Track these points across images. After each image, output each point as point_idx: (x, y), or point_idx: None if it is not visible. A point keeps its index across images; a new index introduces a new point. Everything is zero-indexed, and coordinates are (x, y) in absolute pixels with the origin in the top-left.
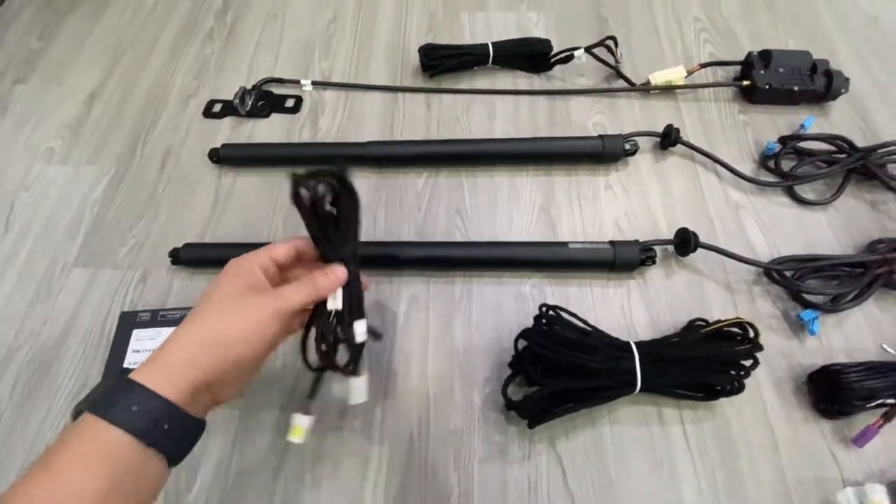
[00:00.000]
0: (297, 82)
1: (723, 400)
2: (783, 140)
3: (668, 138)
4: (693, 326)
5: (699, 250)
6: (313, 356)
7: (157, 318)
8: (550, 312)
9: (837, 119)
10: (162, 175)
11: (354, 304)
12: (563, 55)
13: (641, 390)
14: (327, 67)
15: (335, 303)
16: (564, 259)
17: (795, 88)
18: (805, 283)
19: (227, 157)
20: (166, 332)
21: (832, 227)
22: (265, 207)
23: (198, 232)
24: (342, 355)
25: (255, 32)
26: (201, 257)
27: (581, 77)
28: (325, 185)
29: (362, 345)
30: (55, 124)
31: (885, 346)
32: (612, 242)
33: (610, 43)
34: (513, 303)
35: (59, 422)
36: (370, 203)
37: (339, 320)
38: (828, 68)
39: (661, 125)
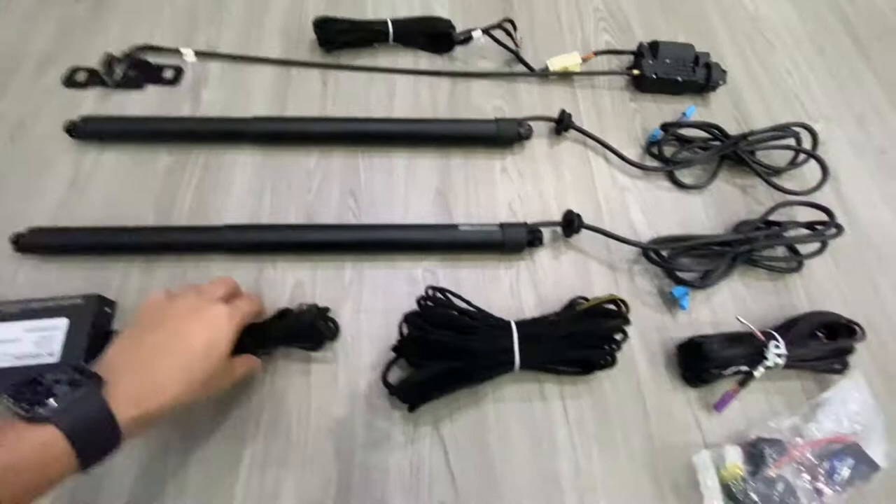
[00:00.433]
0: (178, 51)
1: (601, 374)
2: (665, 127)
3: (562, 123)
4: (572, 304)
5: (585, 231)
6: None
7: None
8: (437, 295)
9: (716, 108)
10: (9, 151)
11: None
12: (462, 35)
13: (521, 368)
14: (213, 37)
15: None
16: (455, 241)
17: (679, 79)
18: (678, 261)
19: (89, 131)
20: (3, 328)
21: (706, 209)
22: (134, 189)
23: (49, 215)
24: None
25: None
26: (53, 243)
27: (483, 60)
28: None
29: None
30: None
31: (739, 317)
32: (501, 225)
33: (508, 26)
34: (404, 287)
35: None
36: (254, 185)
37: None
38: (708, 61)
39: (558, 110)
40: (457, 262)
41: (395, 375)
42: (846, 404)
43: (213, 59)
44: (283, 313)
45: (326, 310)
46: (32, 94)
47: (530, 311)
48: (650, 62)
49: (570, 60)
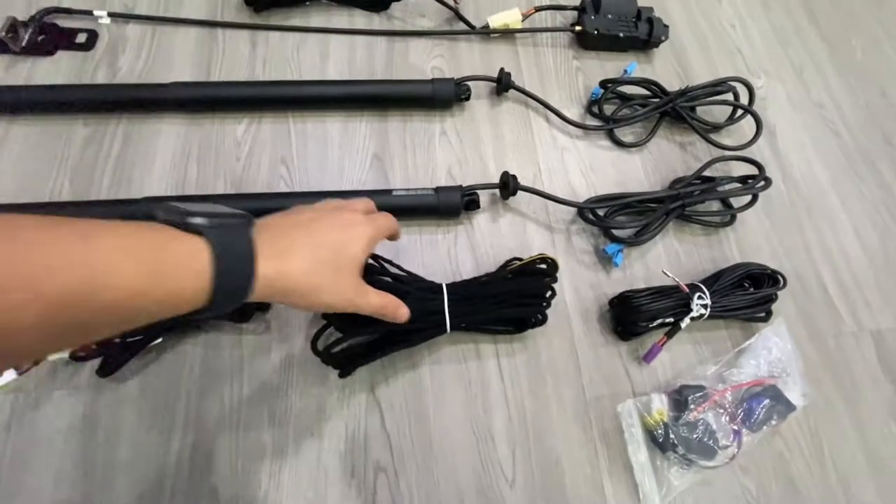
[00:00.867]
0: (91, 13)
1: (536, 332)
2: (604, 84)
3: (502, 83)
4: (506, 265)
5: (524, 193)
6: None
7: None
8: (368, 262)
9: (659, 65)
10: None
11: None
12: None
13: (452, 329)
14: None
15: None
16: (389, 206)
17: (621, 35)
18: (615, 219)
19: None
20: None
21: (645, 167)
22: (47, 162)
23: None
24: None
25: None
26: None
27: (422, 18)
28: None
29: None
30: None
31: (665, 271)
32: (436, 189)
33: None
34: None
35: None
36: (178, 154)
37: None
38: (650, 16)
39: (499, 70)
40: None
41: (327, 343)
42: (768, 350)
43: (131, 22)
44: None
45: None
46: None
47: (468, 274)
48: (592, 17)
49: (510, 17)
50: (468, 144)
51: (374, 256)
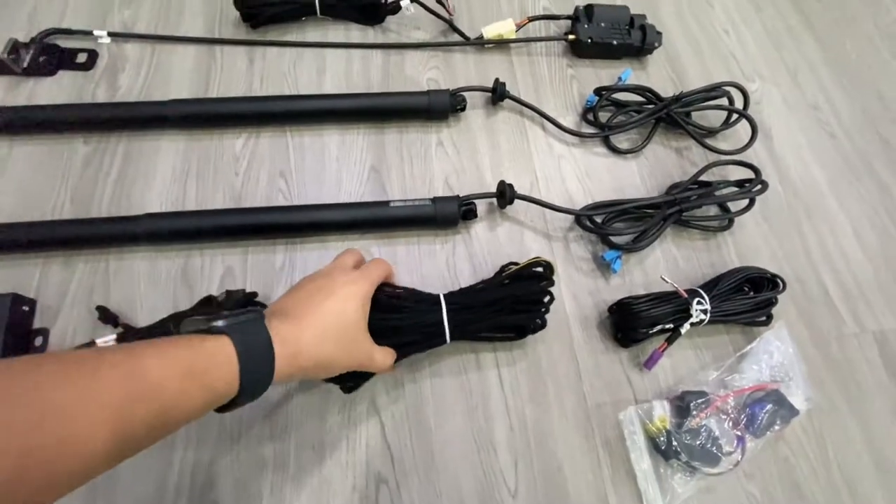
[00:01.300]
0: (90, 33)
1: (536, 339)
2: (599, 92)
3: (497, 93)
4: (502, 270)
5: (520, 202)
6: None
7: None
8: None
9: (654, 71)
10: None
11: None
12: (391, 5)
13: (452, 339)
14: (129, 17)
15: None
16: (387, 218)
17: (614, 42)
18: (613, 226)
19: None
20: None
21: (641, 173)
22: (49, 181)
23: None
24: None
25: None
26: None
27: (417, 30)
28: None
29: None
30: None
31: (663, 277)
32: (433, 199)
33: None
34: None
35: None
36: (178, 171)
37: None
38: (643, 23)
39: (494, 80)
40: (392, 239)
41: None
42: (769, 354)
43: (130, 41)
44: (207, 301)
45: (254, 294)
46: None
47: (466, 283)
48: (585, 26)
49: (504, 28)
50: (465, 154)
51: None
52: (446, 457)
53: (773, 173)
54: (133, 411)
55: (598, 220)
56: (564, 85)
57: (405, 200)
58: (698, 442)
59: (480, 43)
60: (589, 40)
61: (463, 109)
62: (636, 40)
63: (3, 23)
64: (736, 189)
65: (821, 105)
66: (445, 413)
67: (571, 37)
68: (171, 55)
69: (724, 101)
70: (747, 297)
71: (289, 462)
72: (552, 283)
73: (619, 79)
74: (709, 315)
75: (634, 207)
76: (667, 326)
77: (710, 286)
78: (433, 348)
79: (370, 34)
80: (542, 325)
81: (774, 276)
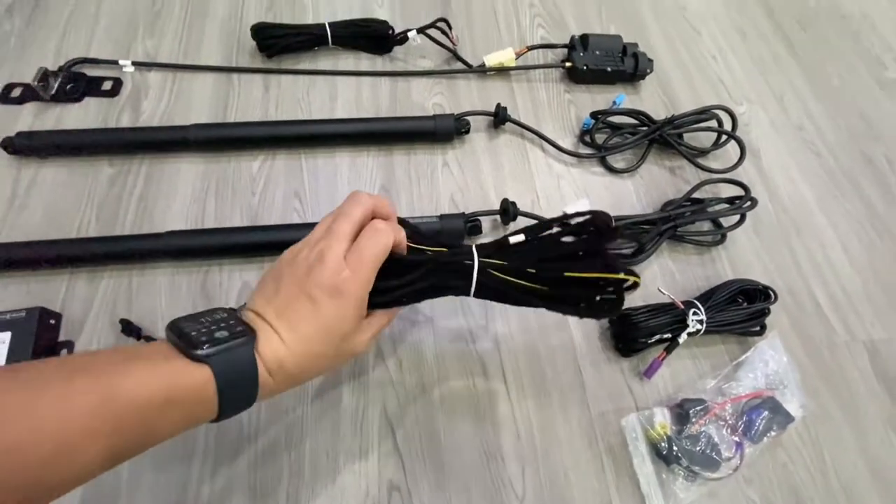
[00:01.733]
0: (115, 63)
1: (541, 352)
2: (595, 115)
3: (498, 117)
4: (562, 224)
5: (523, 218)
6: None
7: None
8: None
9: (646, 95)
10: None
11: None
12: (399, 36)
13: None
14: (152, 47)
15: None
16: None
17: (608, 69)
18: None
19: (26, 147)
20: None
21: (637, 191)
22: (75, 200)
23: None
24: None
25: (65, 9)
26: None
27: (423, 59)
28: None
29: None
30: None
31: (660, 289)
32: (440, 216)
33: (442, 25)
34: None
35: None
36: (198, 191)
37: None
38: (636, 51)
39: (496, 105)
40: None
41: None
42: (764, 363)
43: (153, 69)
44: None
45: None
46: None
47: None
48: (581, 54)
49: (504, 56)
50: (469, 174)
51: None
52: (456, 464)
53: (762, 191)
54: (103, 438)
55: None
56: (562, 109)
57: (414, 218)
58: (698, 448)
59: (482, 70)
60: (585, 67)
61: (467, 132)
62: (629, 67)
63: (34, 53)
64: (727, 205)
65: (806, 126)
66: (455, 421)
67: (568, 64)
68: (192, 82)
69: (713, 124)
70: (741, 308)
71: (304, 470)
72: (620, 301)
73: (614, 103)
74: (705, 325)
75: (631, 224)
76: (665, 336)
77: (706, 298)
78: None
79: (379, 63)
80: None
81: (766, 287)
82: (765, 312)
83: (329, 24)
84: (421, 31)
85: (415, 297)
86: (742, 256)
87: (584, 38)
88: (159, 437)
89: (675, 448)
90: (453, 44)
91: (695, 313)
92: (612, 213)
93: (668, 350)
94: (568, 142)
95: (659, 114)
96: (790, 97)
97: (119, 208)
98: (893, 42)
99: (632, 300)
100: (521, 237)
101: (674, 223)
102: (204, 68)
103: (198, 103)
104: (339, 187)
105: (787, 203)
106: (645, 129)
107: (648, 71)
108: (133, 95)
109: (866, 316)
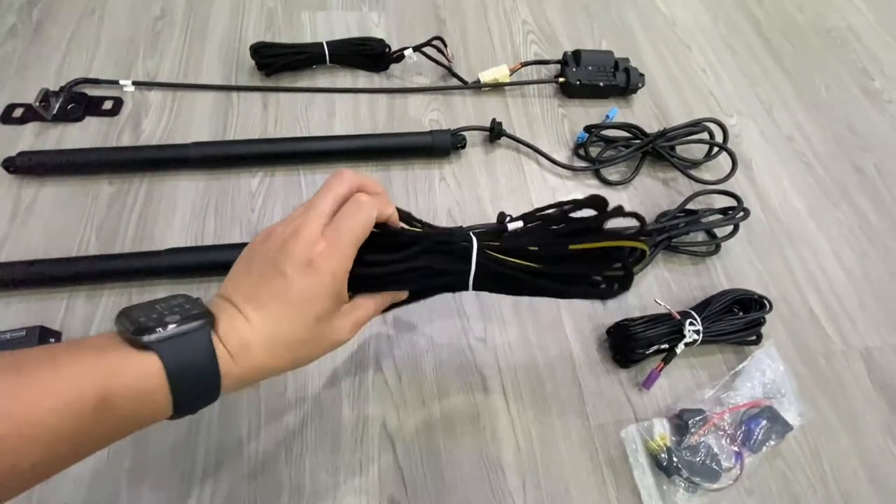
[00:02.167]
0: (116, 82)
1: (540, 363)
2: (588, 129)
3: (494, 132)
4: (561, 212)
5: None
6: None
7: None
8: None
9: (639, 109)
10: None
11: None
12: (396, 54)
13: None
14: (153, 67)
15: None
16: None
17: (601, 84)
18: None
19: (27, 166)
20: None
21: (631, 203)
22: (75, 219)
23: None
24: None
25: (66, 30)
26: None
27: (419, 76)
28: None
29: None
30: None
31: (657, 300)
32: None
33: (438, 43)
34: None
35: None
36: (197, 208)
37: None
38: (627, 66)
39: (491, 120)
40: None
41: None
42: (761, 372)
43: (153, 89)
44: None
45: None
46: None
47: (469, 306)
48: (574, 70)
49: (499, 73)
50: (466, 189)
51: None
52: (457, 478)
53: (755, 201)
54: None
55: None
56: (556, 123)
57: None
58: (698, 458)
59: (478, 86)
60: (577, 82)
61: (463, 147)
62: (621, 81)
63: (36, 73)
64: (721, 216)
65: (795, 137)
66: (455, 435)
67: (561, 79)
68: (192, 101)
69: (705, 136)
70: (737, 318)
71: (304, 485)
72: (629, 278)
73: (607, 116)
74: (701, 335)
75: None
76: (662, 347)
77: (702, 308)
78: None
79: (376, 80)
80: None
81: (761, 297)
82: (760, 322)
83: (326, 42)
84: (417, 49)
85: (405, 280)
86: (736, 266)
87: (577, 54)
88: (98, 443)
89: (675, 459)
90: (449, 61)
91: (691, 323)
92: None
93: (666, 360)
94: (562, 155)
95: (651, 127)
96: (779, 109)
97: (119, 226)
98: (879, 54)
99: (629, 311)
100: (519, 223)
101: (668, 234)
102: (204, 87)
103: (198, 121)
104: None
105: (780, 213)
106: (638, 141)
107: (640, 85)
108: (133, 114)
109: (861, 323)
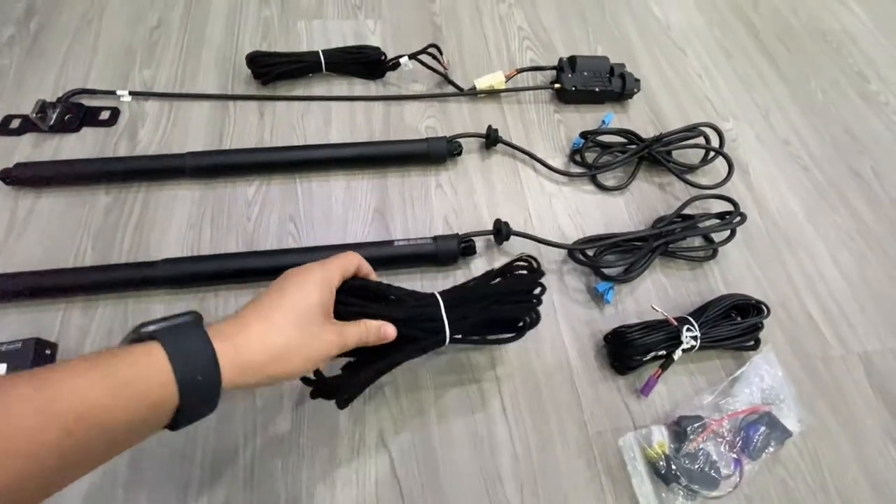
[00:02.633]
0: (113, 93)
1: (537, 370)
2: (584, 135)
3: (490, 138)
4: (487, 274)
5: (515, 238)
6: None
7: None
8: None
9: (634, 114)
10: None
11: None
12: (391, 62)
13: (451, 339)
14: (150, 77)
15: None
16: (391, 256)
17: (597, 89)
18: (604, 259)
19: (23, 177)
20: None
21: (628, 208)
22: (72, 230)
23: None
24: None
25: (63, 41)
26: None
27: (415, 83)
28: None
29: None
30: None
31: (654, 306)
32: (434, 238)
33: (433, 51)
34: None
35: None
36: (193, 217)
37: None
38: (622, 71)
39: (487, 126)
40: (397, 277)
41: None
42: (760, 378)
43: (150, 99)
44: None
45: None
46: None
47: None
48: (569, 76)
49: (494, 79)
50: (462, 195)
51: (348, 286)
52: (454, 489)
53: (752, 205)
54: (50, 440)
55: (590, 253)
56: (552, 129)
57: (408, 240)
58: (697, 465)
59: (473, 93)
60: (573, 88)
61: (459, 154)
62: (617, 87)
63: (33, 84)
64: (717, 221)
65: (792, 141)
66: (452, 445)
67: (557, 85)
68: (188, 111)
69: (701, 141)
70: (735, 323)
71: (301, 497)
72: (542, 274)
73: (603, 122)
74: (699, 341)
75: (623, 241)
76: (660, 353)
77: (699, 313)
78: (431, 350)
79: (372, 87)
80: (537, 320)
81: (759, 302)
82: (758, 327)
83: (322, 51)
84: (413, 56)
85: (386, 311)
86: (734, 271)
87: (572, 60)
88: (119, 431)
89: (673, 467)
90: (444, 68)
91: (689, 329)
92: (604, 231)
93: (664, 367)
94: (559, 161)
95: (647, 132)
96: (775, 113)
97: (115, 237)
98: (875, 56)
99: (626, 317)
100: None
101: (665, 239)
102: (200, 96)
103: (194, 131)
104: (333, 210)
105: (777, 217)
106: (634, 147)
107: (636, 90)
108: (130, 124)
109: (860, 328)
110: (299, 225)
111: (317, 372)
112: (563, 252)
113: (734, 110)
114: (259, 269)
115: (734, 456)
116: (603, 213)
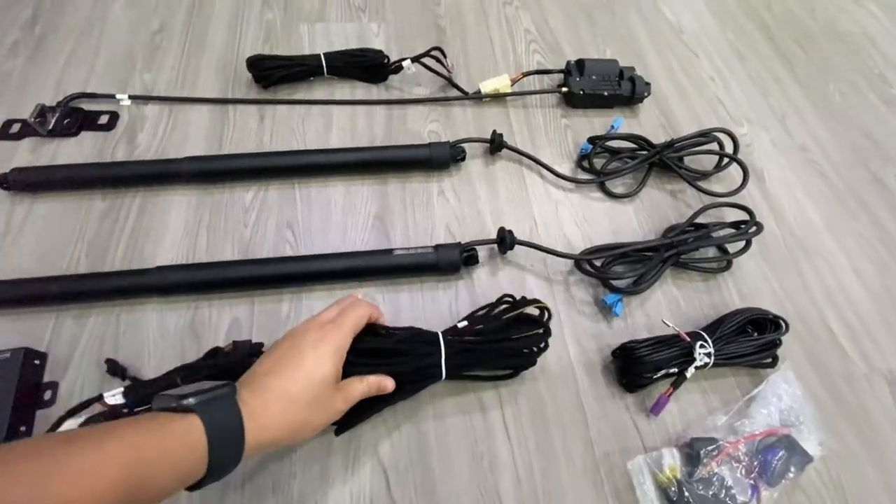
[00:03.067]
0: (113, 97)
1: (541, 386)
2: (593, 140)
3: (494, 144)
4: (499, 302)
5: (521, 247)
6: None
7: None
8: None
9: (645, 119)
10: None
11: None
12: (394, 65)
13: (448, 378)
14: (150, 81)
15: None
16: (391, 266)
17: (605, 93)
18: (612, 270)
19: (20, 182)
20: None
21: (637, 216)
22: (67, 236)
23: None
24: None
25: (66, 46)
26: None
27: (418, 87)
28: None
29: None
30: None
31: (665, 320)
32: (435, 246)
33: (437, 53)
34: None
35: None
36: (190, 224)
37: None
38: (632, 75)
39: (492, 131)
40: (396, 286)
41: None
42: (778, 397)
43: (149, 103)
44: (213, 352)
45: (260, 345)
46: None
47: None
48: (577, 79)
49: (500, 82)
50: (465, 203)
51: (358, 348)
52: None
53: (768, 214)
54: (112, 496)
55: (598, 263)
56: (559, 134)
57: (408, 248)
58: (711, 492)
59: (478, 97)
60: (581, 92)
61: (463, 160)
62: (626, 91)
63: (35, 88)
64: (732, 231)
65: (809, 146)
66: (450, 464)
67: (564, 89)
68: (188, 114)
69: (714, 146)
70: (751, 339)
71: None
72: (549, 333)
73: (612, 127)
74: (713, 358)
75: (633, 251)
76: (671, 371)
77: (713, 329)
78: (428, 387)
79: (374, 91)
80: (532, 364)
81: (777, 316)
82: (776, 343)
83: (324, 54)
84: (416, 59)
85: (389, 364)
86: (750, 282)
87: (580, 63)
88: (154, 491)
89: (686, 493)
90: (448, 71)
91: (702, 346)
92: (612, 240)
93: (676, 385)
94: (566, 167)
95: (658, 137)
96: (792, 117)
97: (110, 243)
98: (895, 58)
99: (636, 331)
100: (465, 322)
101: (677, 250)
102: (200, 100)
103: (193, 135)
104: (332, 217)
105: (794, 226)
106: (644, 152)
107: (646, 94)
108: (129, 129)
109: (884, 344)
110: (297, 232)
111: None
112: (570, 262)
113: (748, 115)
114: (255, 278)
115: (751, 482)
116: (611, 222)
